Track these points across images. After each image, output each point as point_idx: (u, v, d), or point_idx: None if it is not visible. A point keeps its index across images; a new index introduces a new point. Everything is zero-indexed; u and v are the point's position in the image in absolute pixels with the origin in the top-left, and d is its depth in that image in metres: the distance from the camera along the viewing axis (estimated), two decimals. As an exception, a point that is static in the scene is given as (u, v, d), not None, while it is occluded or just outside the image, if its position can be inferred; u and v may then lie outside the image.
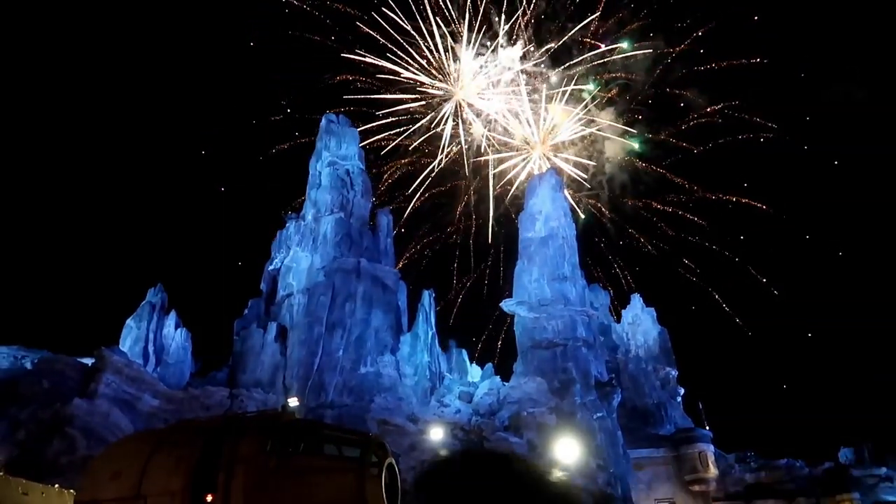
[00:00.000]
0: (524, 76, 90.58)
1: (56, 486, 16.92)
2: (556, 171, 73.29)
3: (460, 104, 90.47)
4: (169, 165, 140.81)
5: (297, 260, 64.34)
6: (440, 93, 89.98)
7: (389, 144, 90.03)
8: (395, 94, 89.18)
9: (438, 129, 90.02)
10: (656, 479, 57.04)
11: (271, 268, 67.20)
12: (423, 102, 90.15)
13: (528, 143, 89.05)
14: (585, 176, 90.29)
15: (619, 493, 47.39)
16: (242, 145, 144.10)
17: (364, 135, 77.98)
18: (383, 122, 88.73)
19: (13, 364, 49.09)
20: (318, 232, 64.76)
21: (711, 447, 57.79)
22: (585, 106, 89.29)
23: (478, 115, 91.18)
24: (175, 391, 51.50)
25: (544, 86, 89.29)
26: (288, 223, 68.68)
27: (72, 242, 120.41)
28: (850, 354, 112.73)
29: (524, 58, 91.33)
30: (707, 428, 61.81)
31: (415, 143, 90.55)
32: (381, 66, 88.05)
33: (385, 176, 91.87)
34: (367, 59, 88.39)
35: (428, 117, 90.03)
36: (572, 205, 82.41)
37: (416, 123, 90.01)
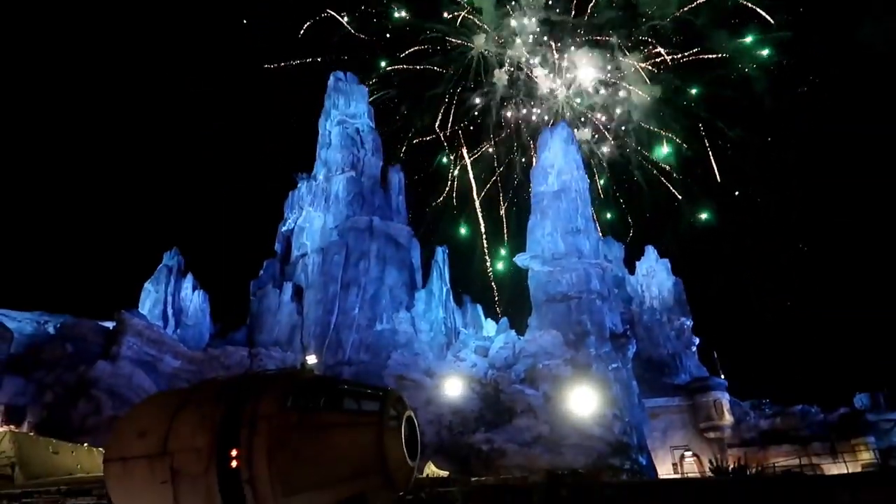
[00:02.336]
0: (548, 26, 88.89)
1: (85, 445, 17.39)
2: (569, 122, 72.46)
3: (483, 55, 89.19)
4: (181, 129, 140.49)
5: (310, 220, 64.55)
6: (463, 43, 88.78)
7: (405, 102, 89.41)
8: (417, 47, 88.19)
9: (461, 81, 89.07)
10: (671, 427, 57.74)
11: (284, 228, 67.51)
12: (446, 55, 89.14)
13: (552, 93, 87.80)
14: (608, 125, 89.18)
15: (634, 441, 48.05)
16: (253, 104, 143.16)
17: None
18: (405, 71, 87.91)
19: (36, 329, 50.07)
20: (329, 191, 64.77)
21: (726, 395, 58.24)
22: (612, 51, 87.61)
23: (500, 66, 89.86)
24: (195, 352, 52.46)
25: (569, 35, 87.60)
26: (299, 183, 68.67)
27: (88, 208, 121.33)
28: (867, 298, 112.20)
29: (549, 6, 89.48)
30: (722, 376, 62.17)
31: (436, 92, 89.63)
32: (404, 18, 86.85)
33: (411, 134, 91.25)
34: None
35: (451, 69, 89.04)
36: (590, 156, 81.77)
37: (438, 76, 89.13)
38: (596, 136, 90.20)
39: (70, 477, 13.96)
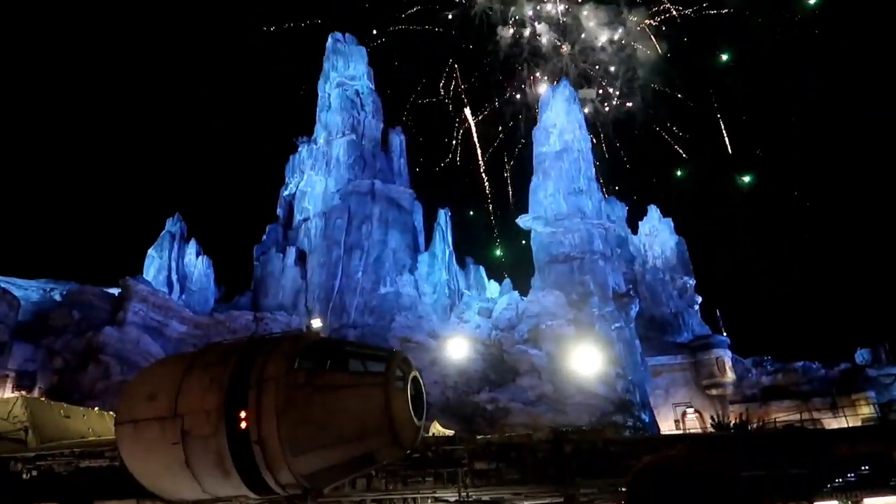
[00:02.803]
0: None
1: (96, 409, 17.66)
2: (574, 81, 71.60)
3: (487, 13, 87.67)
4: (183, 95, 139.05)
5: (312, 184, 64.31)
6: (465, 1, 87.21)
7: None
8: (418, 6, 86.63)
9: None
10: (674, 384, 58.36)
11: (286, 193, 67.30)
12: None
13: (557, 51, 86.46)
14: (614, 84, 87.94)
15: (637, 399, 48.63)
16: (253, 68, 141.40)
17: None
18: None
19: (43, 297, 50.40)
20: (330, 155, 64.36)
21: (728, 353, 58.70)
22: (618, 7, 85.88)
23: (504, 23, 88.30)
24: (201, 317, 52.86)
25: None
26: (300, 147, 68.19)
27: (91, 176, 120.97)
28: (868, 256, 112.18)
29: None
30: (724, 334, 62.59)
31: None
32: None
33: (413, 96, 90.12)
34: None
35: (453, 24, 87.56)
36: (595, 115, 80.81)
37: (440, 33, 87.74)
38: (601, 94, 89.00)
39: (83, 440, 14.22)
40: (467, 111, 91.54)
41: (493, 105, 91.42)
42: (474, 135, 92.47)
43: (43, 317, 46.95)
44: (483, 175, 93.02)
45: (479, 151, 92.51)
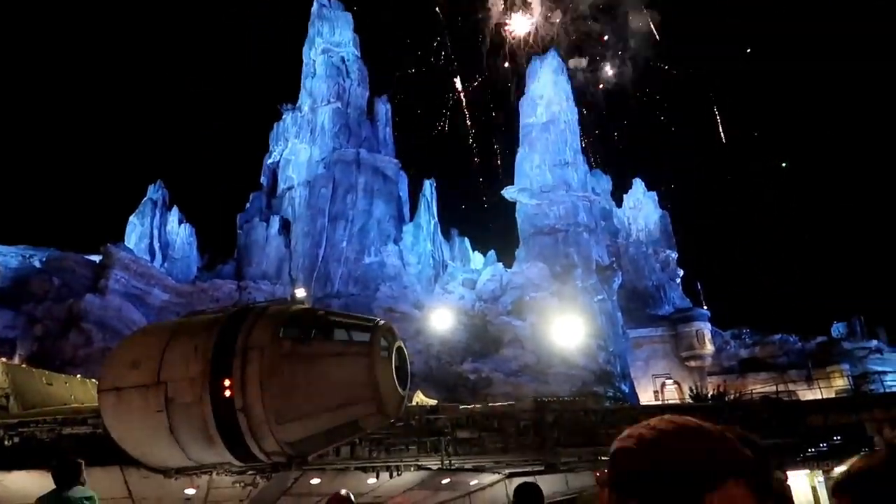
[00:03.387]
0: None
1: (78, 376, 17.61)
2: (565, 50, 70.86)
3: None
4: (164, 59, 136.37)
5: (296, 152, 63.65)
6: None
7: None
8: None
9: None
10: (654, 356, 59.18)
11: (270, 161, 66.58)
12: None
13: (548, 19, 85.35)
14: (606, 53, 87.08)
15: (617, 370, 49.34)
16: (237, 32, 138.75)
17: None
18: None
19: (22, 263, 49.80)
20: (315, 123, 63.61)
21: (708, 325, 59.52)
22: None
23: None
24: (184, 285, 52.57)
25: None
26: (284, 115, 67.25)
27: (70, 140, 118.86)
28: (847, 230, 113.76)
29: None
30: (705, 307, 63.38)
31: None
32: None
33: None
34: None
35: None
36: (586, 84, 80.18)
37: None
38: (591, 65, 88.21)
39: (65, 406, 14.19)
40: (457, 81, 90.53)
41: (484, 74, 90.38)
42: (463, 104, 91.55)
43: (22, 283, 46.45)
44: (472, 146, 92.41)
45: (468, 122, 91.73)
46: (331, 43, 66.58)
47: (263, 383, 8.11)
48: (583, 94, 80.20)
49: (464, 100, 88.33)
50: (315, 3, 69.17)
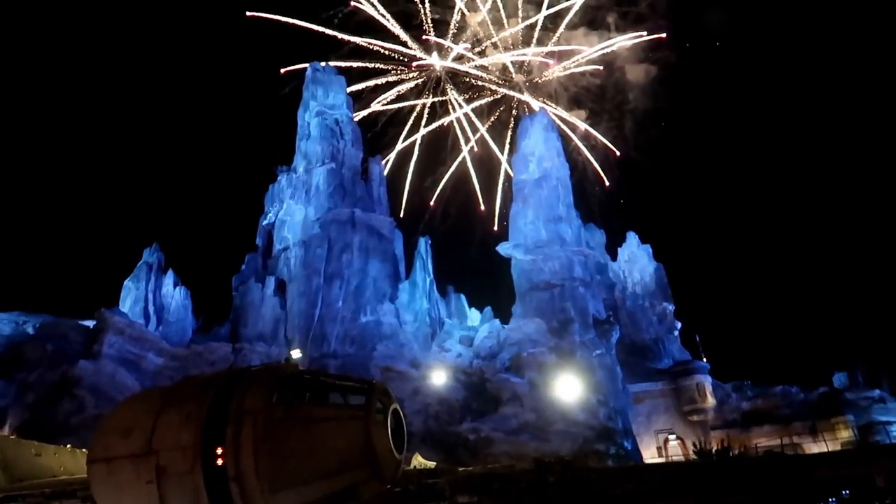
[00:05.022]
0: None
1: (68, 446, 17.23)
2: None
3: (441, 76, 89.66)
4: (159, 124, 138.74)
5: (291, 213, 64.09)
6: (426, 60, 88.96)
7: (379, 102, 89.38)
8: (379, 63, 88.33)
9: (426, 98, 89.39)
10: (655, 411, 58.32)
11: (266, 222, 66.99)
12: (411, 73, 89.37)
13: (544, 76, 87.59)
14: (603, 106, 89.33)
15: (619, 426, 48.55)
16: (232, 99, 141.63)
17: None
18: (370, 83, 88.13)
19: (15, 329, 49.36)
20: (310, 184, 64.29)
21: (709, 378, 58.90)
22: (608, 30, 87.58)
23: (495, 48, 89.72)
24: (178, 348, 52.03)
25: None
26: (279, 176, 68.10)
27: (65, 205, 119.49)
28: (845, 281, 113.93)
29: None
30: (704, 359, 62.87)
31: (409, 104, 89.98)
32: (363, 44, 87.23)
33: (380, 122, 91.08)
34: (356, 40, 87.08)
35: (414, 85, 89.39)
36: (584, 138, 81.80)
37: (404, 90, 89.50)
38: (589, 118, 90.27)
39: (54, 479, 13.84)
40: (462, 140, 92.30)
41: (483, 129, 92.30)
42: (469, 165, 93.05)
43: (15, 350, 45.93)
44: (471, 203, 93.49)
45: (474, 181, 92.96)
46: (325, 105, 67.99)
47: (257, 450, 7.91)
48: (582, 145, 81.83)
49: (468, 158, 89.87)
50: (309, 68, 71.01)
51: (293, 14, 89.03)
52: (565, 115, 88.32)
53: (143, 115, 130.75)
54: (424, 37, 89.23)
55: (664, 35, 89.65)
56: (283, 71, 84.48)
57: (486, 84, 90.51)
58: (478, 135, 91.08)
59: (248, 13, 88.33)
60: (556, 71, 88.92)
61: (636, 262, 73.62)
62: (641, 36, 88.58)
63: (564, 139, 79.38)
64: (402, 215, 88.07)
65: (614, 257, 74.86)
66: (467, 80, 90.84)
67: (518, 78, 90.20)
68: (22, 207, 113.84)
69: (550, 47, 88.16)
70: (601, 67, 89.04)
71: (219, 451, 7.99)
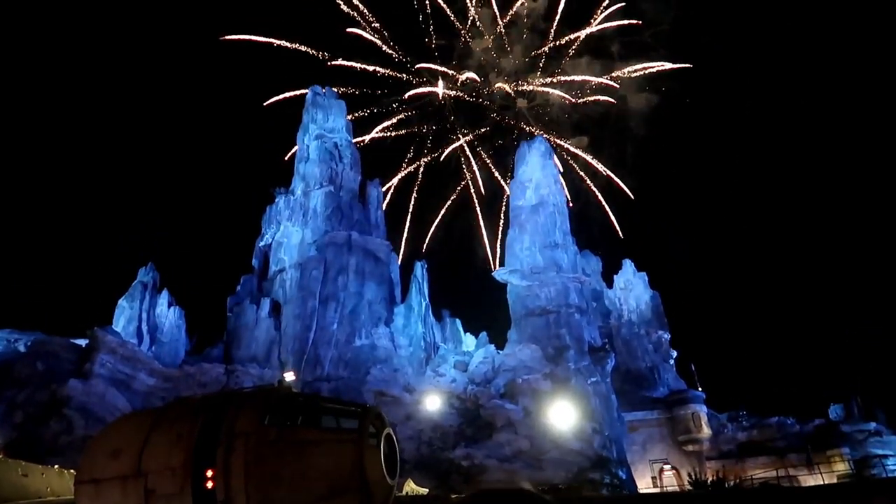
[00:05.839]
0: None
1: (56, 466, 16.98)
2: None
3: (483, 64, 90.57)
4: (157, 142, 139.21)
5: (288, 235, 64.09)
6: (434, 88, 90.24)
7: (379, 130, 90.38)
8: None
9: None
10: (650, 440, 57.90)
11: (262, 243, 66.96)
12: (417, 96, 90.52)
13: (548, 102, 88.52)
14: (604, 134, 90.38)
15: (614, 455, 48.10)
16: (228, 120, 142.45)
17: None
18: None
19: (6, 347, 48.98)
20: (307, 206, 64.41)
21: (704, 408, 58.58)
22: (612, 59, 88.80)
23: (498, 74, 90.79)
24: (171, 369, 51.60)
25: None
26: (277, 198, 68.24)
27: (60, 224, 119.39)
28: (842, 313, 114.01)
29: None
30: (700, 389, 62.56)
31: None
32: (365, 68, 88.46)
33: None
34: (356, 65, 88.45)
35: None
36: (585, 168, 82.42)
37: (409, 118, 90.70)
38: (591, 144, 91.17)
39: (40, 500, 13.62)
40: (472, 161, 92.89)
41: (489, 154, 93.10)
42: (471, 189, 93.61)
43: (6, 368, 45.45)
44: (471, 228, 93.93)
45: (477, 209, 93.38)
46: (324, 129, 68.41)
47: (247, 473, 7.82)
48: (583, 173, 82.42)
49: (472, 187, 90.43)
50: (310, 92, 71.56)
51: (294, 38, 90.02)
52: (566, 144, 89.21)
53: (142, 133, 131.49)
54: (427, 64, 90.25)
55: (689, 65, 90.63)
56: (272, 100, 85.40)
57: (489, 111, 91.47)
58: (479, 161, 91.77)
59: (221, 37, 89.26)
60: (558, 99, 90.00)
61: (632, 289, 73.61)
62: (662, 66, 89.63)
63: (565, 166, 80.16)
64: (404, 240, 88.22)
65: (610, 284, 74.84)
66: (471, 103, 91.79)
67: (521, 103, 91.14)
68: (17, 224, 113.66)
69: (552, 78, 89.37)
70: (613, 100, 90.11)
71: (209, 473, 7.88)
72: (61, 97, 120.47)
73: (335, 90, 74.04)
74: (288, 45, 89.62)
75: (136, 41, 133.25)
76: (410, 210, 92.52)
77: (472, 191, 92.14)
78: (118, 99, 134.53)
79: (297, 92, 78.75)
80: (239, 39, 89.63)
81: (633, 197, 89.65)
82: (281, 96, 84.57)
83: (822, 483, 39.07)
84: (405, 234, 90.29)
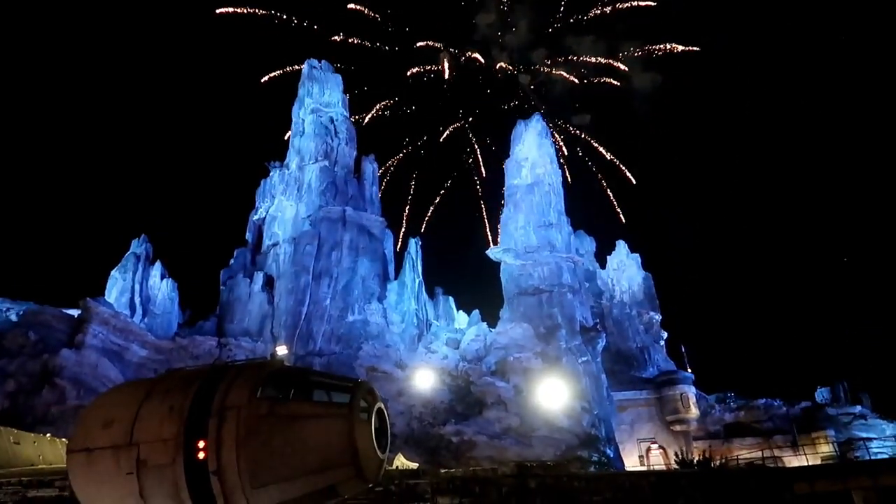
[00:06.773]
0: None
1: (48, 435, 17.07)
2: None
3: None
4: (151, 113, 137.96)
5: (282, 209, 63.86)
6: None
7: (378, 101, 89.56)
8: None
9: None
10: (639, 419, 58.57)
11: (256, 217, 66.72)
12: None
13: (550, 77, 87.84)
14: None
15: (602, 434, 48.65)
16: (226, 93, 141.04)
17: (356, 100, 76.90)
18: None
19: (-2, 316, 48.85)
20: (302, 181, 64.10)
21: (693, 389, 59.21)
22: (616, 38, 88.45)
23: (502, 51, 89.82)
24: (163, 341, 51.68)
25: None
26: (272, 172, 67.85)
27: (53, 193, 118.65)
28: (829, 297, 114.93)
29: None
30: (689, 370, 63.20)
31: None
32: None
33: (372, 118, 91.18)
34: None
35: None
36: (586, 148, 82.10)
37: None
38: (590, 123, 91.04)
39: (31, 468, 13.71)
40: (473, 141, 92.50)
41: (490, 133, 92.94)
42: (475, 173, 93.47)
43: (-2, 337, 45.43)
44: (459, 205, 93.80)
45: (478, 188, 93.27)
46: (320, 103, 67.82)
47: (239, 445, 7.85)
48: (584, 151, 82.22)
49: (472, 167, 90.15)
50: (306, 65, 70.79)
51: (293, 13, 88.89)
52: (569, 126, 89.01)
53: (136, 106, 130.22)
54: (429, 42, 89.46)
55: (697, 48, 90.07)
56: (269, 76, 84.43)
57: (491, 88, 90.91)
58: (480, 140, 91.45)
59: (217, 10, 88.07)
60: (561, 77, 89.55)
61: (625, 270, 73.92)
62: (672, 47, 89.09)
63: (567, 145, 79.79)
64: (404, 218, 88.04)
65: (603, 265, 75.08)
66: (473, 81, 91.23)
67: (524, 80, 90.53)
68: (10, 195, 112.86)
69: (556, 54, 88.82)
70: (616, 82, 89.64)
71: (201, 444, 7.93)
72: (55, 71, 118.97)
73: (332, 65, 73.26)
74: (286, 18, 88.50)
75: (131, 15, 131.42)
76: (411, 190, 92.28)
77: (472, 170, 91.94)
78: (113, 73, 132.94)
79: (295, 67, 77.86)
80: (234, 12, 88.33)
81: (634, 182, 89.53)
82: (278, 71, 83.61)
83: (806, 464, 39.66)
84: (405, 213, 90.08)
